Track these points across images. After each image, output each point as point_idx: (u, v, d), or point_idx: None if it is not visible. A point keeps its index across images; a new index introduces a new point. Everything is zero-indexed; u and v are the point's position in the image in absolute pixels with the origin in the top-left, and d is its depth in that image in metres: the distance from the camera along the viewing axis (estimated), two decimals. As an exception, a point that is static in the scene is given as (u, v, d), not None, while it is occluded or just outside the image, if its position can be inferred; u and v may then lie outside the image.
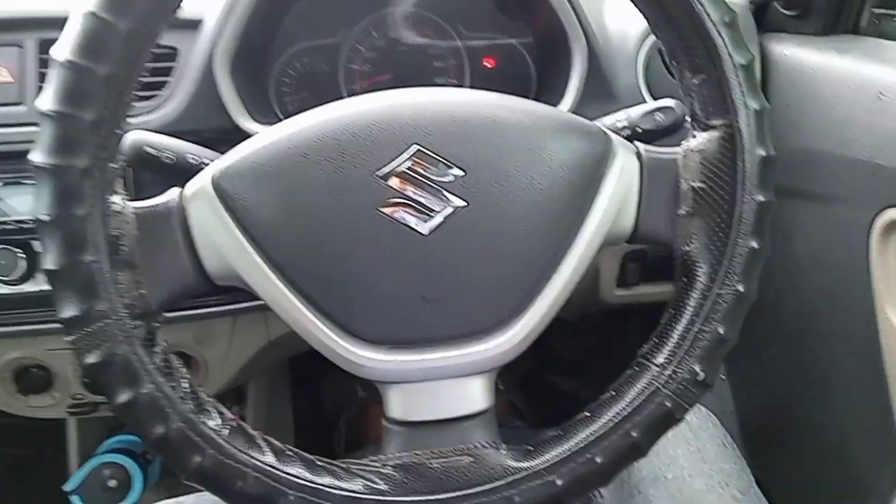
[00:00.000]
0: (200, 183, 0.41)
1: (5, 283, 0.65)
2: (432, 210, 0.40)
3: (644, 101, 0.69)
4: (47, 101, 0.35)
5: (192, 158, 0.51)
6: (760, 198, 0.42)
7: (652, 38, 0.71)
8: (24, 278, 0.65)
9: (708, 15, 0.41)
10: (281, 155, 0.40)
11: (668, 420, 0.42)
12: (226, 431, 0.39)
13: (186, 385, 0.39)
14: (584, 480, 0.42)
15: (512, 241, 0.41)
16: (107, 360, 0.36)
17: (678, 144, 0.45)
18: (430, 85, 0.43)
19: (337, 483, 0.40)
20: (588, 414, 0.43)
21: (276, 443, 0.41)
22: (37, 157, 0.35)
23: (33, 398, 0.78)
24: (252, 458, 0.39)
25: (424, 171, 0.40)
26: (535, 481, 0.41)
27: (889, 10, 0.69)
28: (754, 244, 0.42)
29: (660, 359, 0.42)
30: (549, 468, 0.41)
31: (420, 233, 0.40)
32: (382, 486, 0.40)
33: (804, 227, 0.71)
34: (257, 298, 0.42)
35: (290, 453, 0.41)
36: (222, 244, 0.40)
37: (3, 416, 0.81)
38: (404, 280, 0.41)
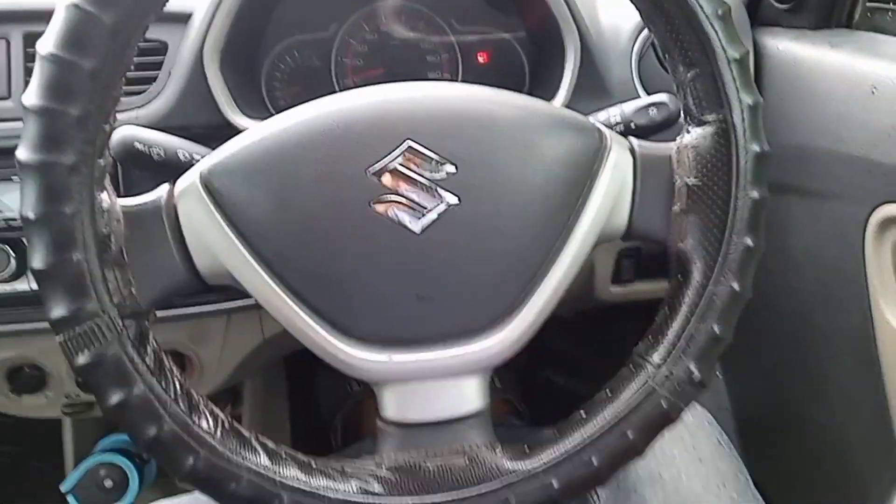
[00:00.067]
0: (190, 180, 0.41)
1: (-4, 281, 0.64)
2: (425, 207, 0.40)
3: (638, 96, 0.69)
4: (32, 96, 0.34)
5: (183, 154, 0.51)
6: (755, 194, 0.42)
7: (645, 32, 0.71)
8: (15, 277, 0.64)
9: (701, 8, 0.40)
10: (271, 151, 0.40)
11: (664, 420, 0.42)
12: (219, 432, 0.39)
13: (179, 385, 0.39)
14: (580, 481, 0.41)
15: (505, 238, 0.41)
16: (97, 360, 0.36)
17: (672, 140, 0.45)
18: (423, 79, 0.43)
19: (331, 485, 0.40)
20: (583, 414, 0.43)
21: (271, 444, 0.41)
22: (22, 153, 0.34)
23: (27, 398, 0.77)
24: (246, 459, 0.39)
25: (417, 167, 0.40)
26: (530, 483, 0.41)
27: (883, 4, 0.69)
28: (749, 241, 0.42)
29: (655, 358, 0.42)
30: (545, 469, 0.41)
31: (412, 230, 0.40)
32: (377, 488, 0.40)
33: (799, 224, 0.70)
34: (251, 297, 0.41)
35: (285, 455, 0.41)
36: (212, 242, 0.40)
37: (-1, 415, 0.80)
38: (397, 278, 0.40)
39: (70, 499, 0.86)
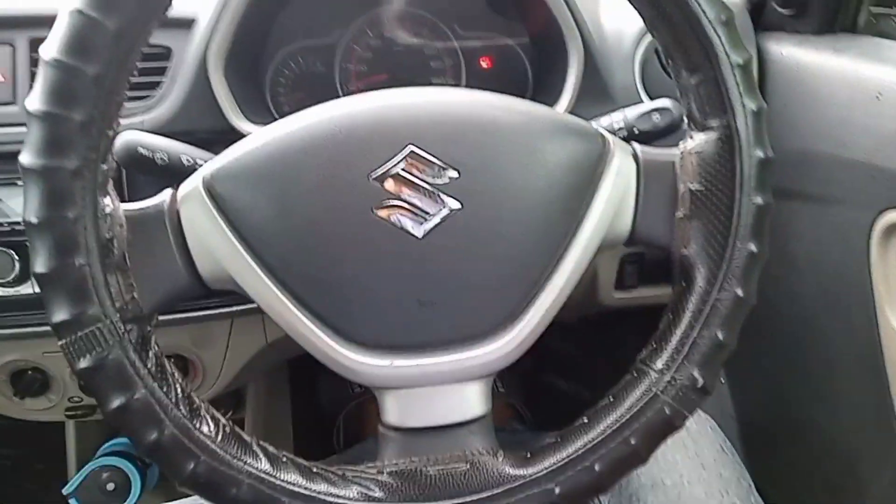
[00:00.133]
0: (192, 185, 0.41)
1: (0, 285, 0.64)
2: (427, 212, 0.40)
3: (641, 102, 0.69)
4: (35, 101, 0.34)
5: (186, 159, 0.51)
6: (759, 200, 0.41)
7: (649, 37, 0.71)
8: (20, 280, 0.64)
9: (704, 13, 0.40)
10: (274, 156, 0.40)
11: (667, 427, 0.42)
12: (220, 437, 0.39)
13: (180, 390, 0.39)
14: (582, 488, 0.41)
15: (508, 243, 0.41)
16: (99, 364, 0.36)
17: (675, 145, 0.45)
18: (427, 85, 0.43)
19: (332, 490, 0.40)
20: (586, 420, 0.43)
21: (272, 449, 0.41)
22: (25, 158, 0.34)
23: (30, 401, 0.77)
24: (246, 464, 0.39)
25: (419, 172, 0.40)
26: (532, 489, 0.41)
27: (887, 10, 0.69)
28: (753, 247, 0.41)
29: (658, 364, 0.42)
30: (547, 476, 0.41)
31: (415, 236, 0.40)
32: (378, 494, 0.40)
33: (803, 230, 0.70)
34: (254, 301, 0.41)
35: (286, 459, 0.41)
36: (215, 247, 0.40)
37: (1, 418, 0.80)
38: (399, 284, 0.40)
39: (72, 502, 0.86)
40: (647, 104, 0.56)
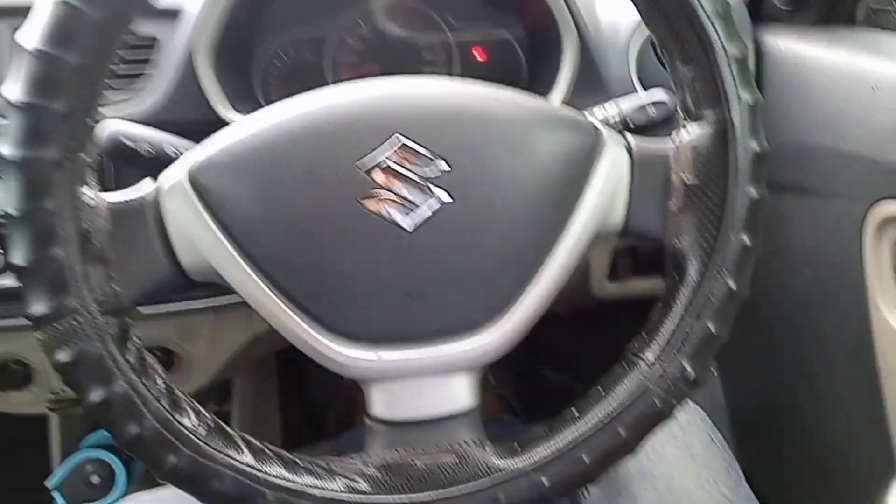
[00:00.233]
0: (175, 175, 0.40)
1: (-18, 277, 0.63)
2: (416, 204, 0.39)
3: (636, 94, 0.68)
4: (15, 90, 0.34)
5: (172, 150, 0.50)
6: (753, 192, 0.41)
7: (644, 29, 0.70)
8: (0, 272, 0.64)
9: (701, 5, 0.40)
10: (258, 146, 0.39)
11: (657, 418, 0.41)
12: (202, 430, 0.38)
13: (161, 383, 0.38)
14: (571, 480, 0.41)
15: (498, 236, 0.40)
16: (78, 357, 0.35)
17: (668, 136, 0.44)
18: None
19: (317, 483, 0.39)
20: (576, 412, 0.42)
21: (255, 442, 0.40)
22: (4, 148, 0.34)
23: (12, 394, 0.77)
24: (229, 457, 0.38)
25: (408, 163, 0.39)
26: (521, 481, 0.40)
27: (886, 6, 0.69)
28: (746, 240, 0.41)
29: (649, 356, 0.42)
30: (535, 467, 0.40)
31: (404, 228, 0.39)
32: (364, 486, 0.40)
33: (797, 222, 0.70)
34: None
35: (270, 452, 0.40)
36: (197, 238, 0.39)
37: (-17, 411, 0.79)
38: (387, 276, 0.40)
39: (56, 495, 0.85)
40: (642, 96, 0.56)
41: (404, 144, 0.39)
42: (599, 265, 0.80)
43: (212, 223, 0.39)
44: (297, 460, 0.40)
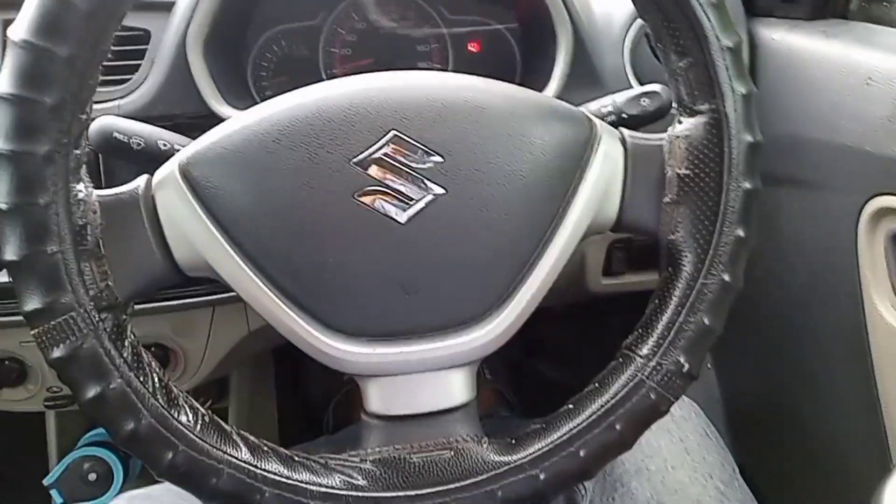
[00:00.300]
0: (168, 170, 0.40)
1: (-25, 274, 0.63)
2: (411, 198, 0.39)
3: (630, 87, 0.68)
4: (4, 83, 0.33)
5: (163, 144, 0.50)
6: (747, 185, 0.41)
7: (638, 21, 0.70)
8: (-6, 269, 0.63)
9: None
10: (252, 140, 0.39)
11: (652, 412, 0.41)
12: (199, 427, 0.38)
13: (157, 379, 0.38)
14: (567, 474, 0.41)
15: (493, 229, 0.40)
16: (73, 354, 0.35)
17: (664, 130, 0.44)
18: (413, 69, 0.42)
19: (314, 479, 0.39)
20: (571, 407, 0.42)
21: (252, 438, 0.40)
22: None
23: (7, 391, 0.76)
24: (226, 454, 0.38)
25: (402, 157, 0.39)
26: (517, 476, 0.40)
27: (881, -1, 0.68)
28: (740, 232, 0.41)
29: (644, 350, 0.42)
30: (531, 462, 0.40)
31: (398, 221, 0.39)
32: (361, 482, 0.40)
33: (792, 215, 0.70)
34: None
35: (267, 449, 0.40)
36: (191, 234, 0.39)
37: (-21, 409, 0.79)
38: (382, 270, 0.40)
39: (54, 493, 0.85)
40: (636, 89, 0.56)
41: (398, 137, 0.39)
42: (594, 260, 0.79)
43: (205, 218, 0.39)
44: (294, 456, 0.40)
